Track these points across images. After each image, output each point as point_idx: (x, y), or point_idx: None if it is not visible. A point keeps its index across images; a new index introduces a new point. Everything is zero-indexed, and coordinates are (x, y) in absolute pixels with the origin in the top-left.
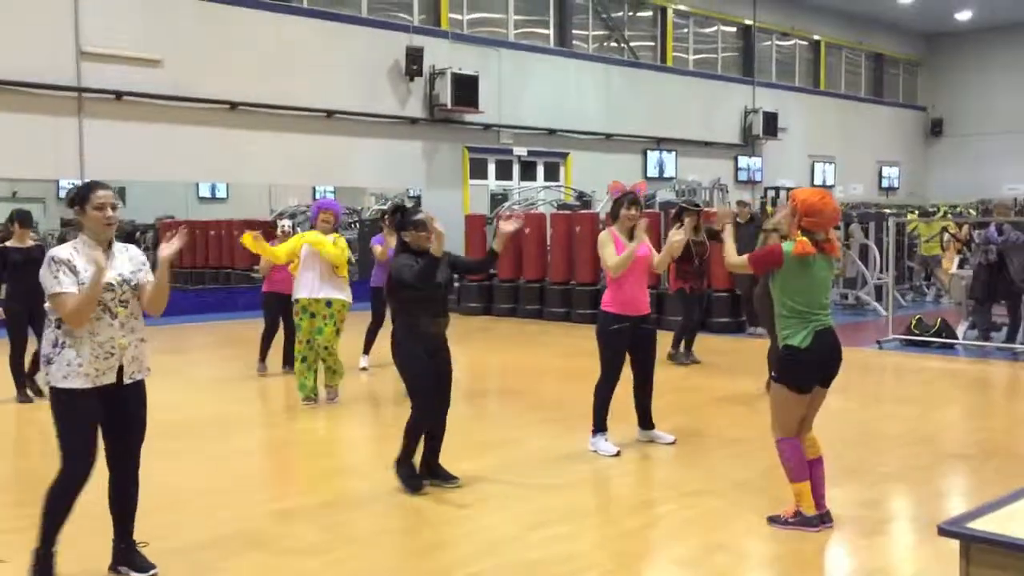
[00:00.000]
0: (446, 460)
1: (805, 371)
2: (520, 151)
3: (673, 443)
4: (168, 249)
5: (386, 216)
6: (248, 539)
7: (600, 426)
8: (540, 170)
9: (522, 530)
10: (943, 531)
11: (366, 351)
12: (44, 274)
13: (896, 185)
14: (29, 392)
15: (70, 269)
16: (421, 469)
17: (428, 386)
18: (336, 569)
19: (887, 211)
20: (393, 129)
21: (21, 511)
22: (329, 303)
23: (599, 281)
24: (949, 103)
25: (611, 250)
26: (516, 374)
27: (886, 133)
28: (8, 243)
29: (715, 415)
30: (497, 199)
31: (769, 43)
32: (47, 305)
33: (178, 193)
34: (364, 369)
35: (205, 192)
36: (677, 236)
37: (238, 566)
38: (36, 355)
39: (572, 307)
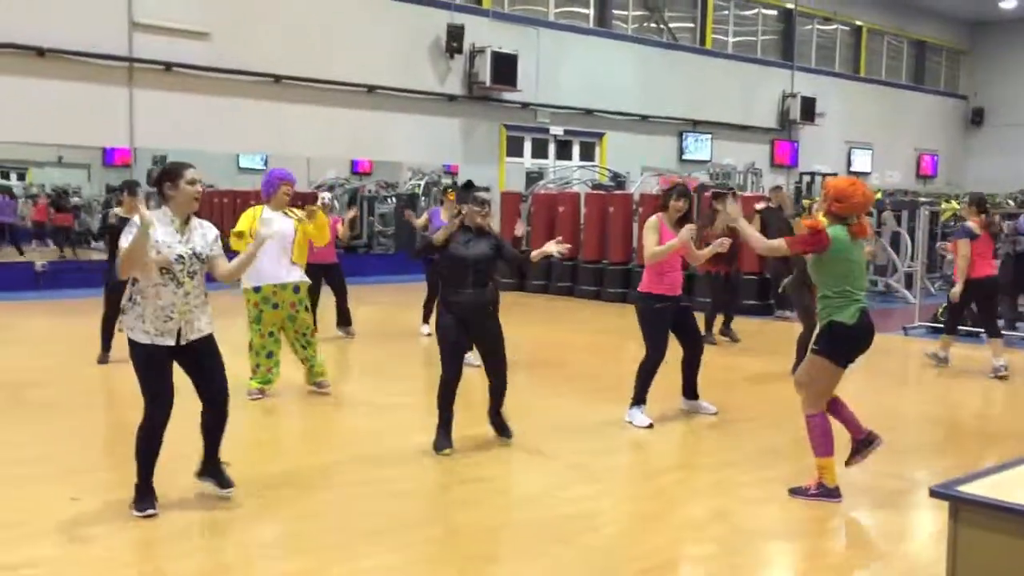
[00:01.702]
0: (481, 426)
1: (850, 345)
2: (556, 130)
3: (715, 414)
4: (260, 237)
5: (448, 190)
6: (292, 482)
7: (639, 399)
8: (576, 149)
9: (550, 489)
10: (934, 493)
11: (425, 320)
12: (125, 230)
13: (934, 174)
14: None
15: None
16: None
17: (448, 350)
18: (367, 522)
19: (921, 199)
20: (432, 105)
21: (109, 459)
22: (296, 288)
23: (631, 261)
24: (991, 92)
25: (654, 239)
26: (548, 347)
27: (926, 121)
28: (117, 210)
29: (743, 392)
30: (532, 177)
31: (810, 27)
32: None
33: (219, 163)
34: (429, 335)
35: (245, 163)
36: (688, 231)
37: (289, 498)
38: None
39: (603, 286)
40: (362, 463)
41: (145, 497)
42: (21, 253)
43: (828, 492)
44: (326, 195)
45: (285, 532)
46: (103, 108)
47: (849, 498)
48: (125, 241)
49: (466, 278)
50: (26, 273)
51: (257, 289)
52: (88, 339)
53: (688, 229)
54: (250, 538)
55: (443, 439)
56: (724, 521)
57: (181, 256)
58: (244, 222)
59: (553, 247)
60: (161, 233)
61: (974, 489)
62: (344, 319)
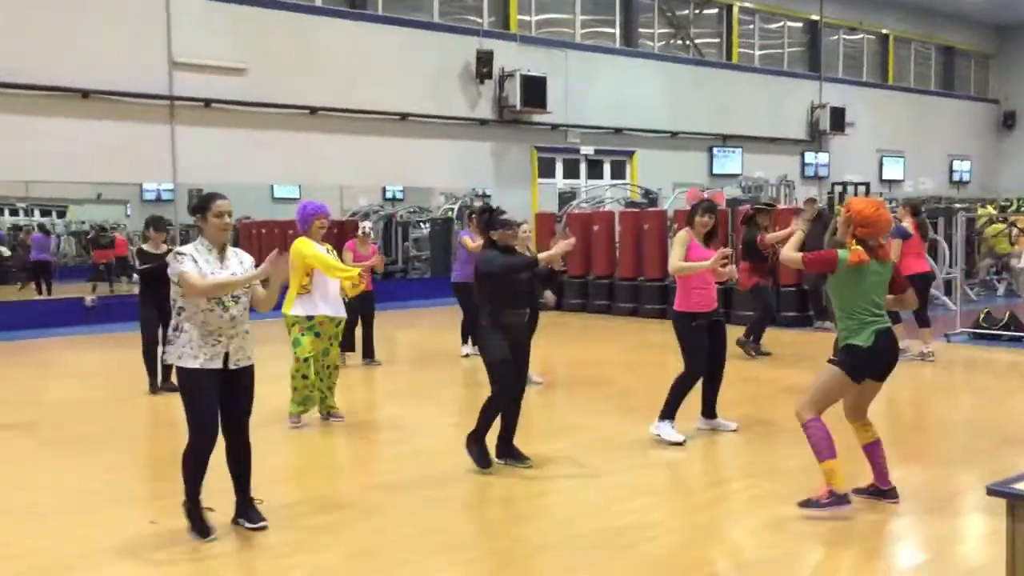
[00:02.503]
0: (522, 444)
1: (867, 366)
2: (587, 150)
3: (735, 431)
4: (264, 271)
5: (473, 216)
6: (351, 504)
7: (670, 414)
8: (607, 168)
9: (603, 503)
10: (992, 491)
11: (465, 341)
12: (171, 264)
13: (967, 179)
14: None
15: (192, 259)
16: (496, 450)
17: (508, 371)
18: (431, 539)
19: (956, 206)
20: (464, 130)
21: (164, 485)
22: (339, 323)
23: (667, 277)
24: (1022, 96)
25: (680, 253)
26: (586, 366)
27: (957, 127)
28: (144, 247)
29: (780, 404)
30: (565, 197)
31: (836, 38)
32: (172, 290)
33: (255, 194)
34: (466, 356)
35: (280, 193)
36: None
37: (351, 519)
38: None
39: (640, 302)
40: (418, 483)
41: (198, 522)
42: (43, 292)
43: (839, 499)
44: (366, 224)
45: (353, 551)
46: (146, 146)
47: (902, 503)
48: (187, 266)
49: (518, 296)
50: (76, 308)
51: (310, 318)
52: (140, 371)
53: (721, 254)
54: (319, 559)
55: (482, 454)
56: (780, 529)
57: None
58: (315, 251)
59: (561, 245)
60: (204, 264)
61: None
62: (369, 351)
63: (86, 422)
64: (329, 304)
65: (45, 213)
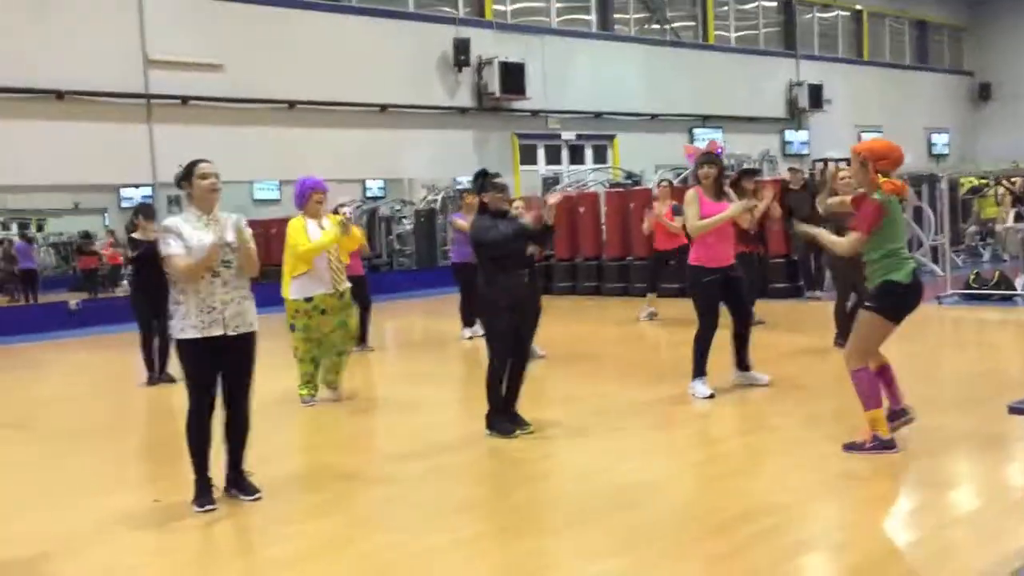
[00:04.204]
0: (527, 412)
1: (904, 302)
2: (568, 135)
3: (768, 384)
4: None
5: (465, 194)
6: (366, 473)
7: (698, 372)
8: (588, 153)
9: (614, 461)
10: (1013, 409)
11: (466, 324)
12: (160, 245)
13: (946, 152)
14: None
15: (177, 235)
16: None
17: (505, 335)
18: (441, 503)
19: (940, 174)
20: (444, 120)
21: (165, 468)
22: (341, 295)
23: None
24: (996, 67)
25: (694, 211)
26: (582, 342)
27: (933, 100)
28: (135, 235)
29: (785, 366)
30: (548, 183)
31: (811, 16)
32: (168, 264)
33: (235, 196)
34: (470, 339)
35: (260, 195)
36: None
37: (367, 485)
38: (165, 344)
39: (630, 282)
40: (429, 453)
41: (203, 493)
42: (30, 300)
43: (884, 444)
44: (347, 210)
45: (372, 514)
46: (123, 146)
47: (910, 447)
48: (173, 248)
49: (515, 259)
50: (59, 313)
51: (309, 299)
52: (130, 366)
53: (742, 205)
54: (339, 521)
55: (504, 422)
56: (792, 476)
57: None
58: (299, 236)
59: (554, 198)
60: (189, 231)
61: None
62: (362, 336)
63: (83, 416)
64: (326, 281)
65: (23, 226)
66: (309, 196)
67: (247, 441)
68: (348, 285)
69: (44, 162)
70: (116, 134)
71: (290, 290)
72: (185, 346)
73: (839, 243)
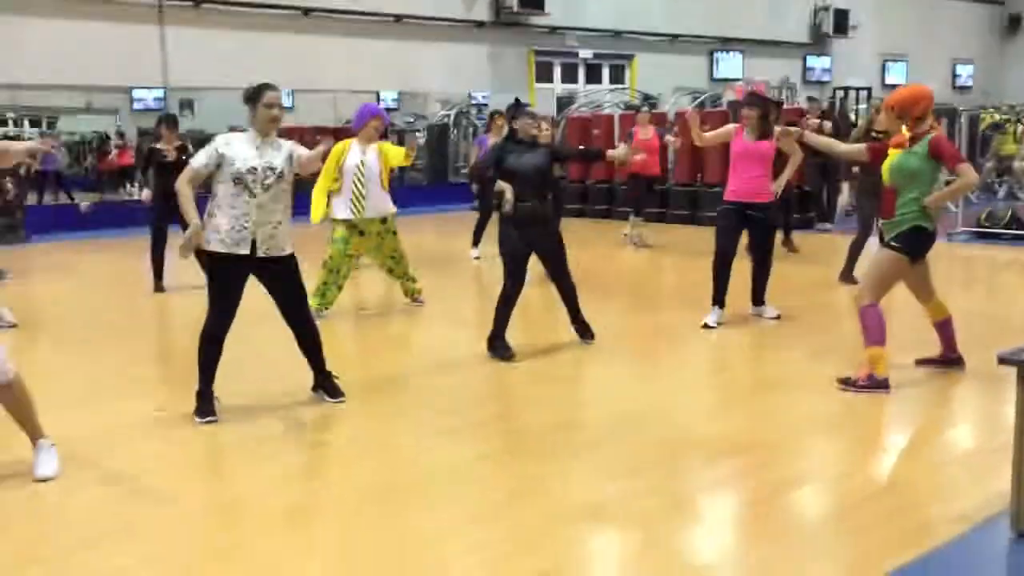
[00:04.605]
0: (532, 338)
1: (926, 247)
2: (585, 54)
3: (777, 318)
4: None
5: (494, 115)
6: (368, 388)
7: (713, 300)
8: (605, 73)
9: (618, 387)
10: (1002, 360)
11: (475, 244)
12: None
13: (970, 84)
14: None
15: (219, 153)
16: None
17: (512, 256)
18: (454, 418)
19: (961, 108)
20: (460, 33)
21: (176, 373)
22: (384, 220)
23: (667, 179)
24: None
25: (714, 133)
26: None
27: (960, 30)
28: (157, 145)
29: (794, 298)
30: (563, 102)
31: None
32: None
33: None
34: (478, 259)
35: None
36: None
37: (367, 403)
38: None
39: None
40: (430, 371)
41: (205, 404)
42: (72, 199)
43: (878, 383)
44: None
45: (366, 430)
46: (135, 48)
47: (907, 386)
48: (196, 161)
49: (523, 190)
50: (70, 214)
51: (347, 220)
52: (142, 272)
53: (784, 131)
54: (331, 439)
55: (503, 346)
56: (789, 410)
57: (254, 168)
58: (330, 161)
59: (624, 154)
60: (239, 149)
61: None
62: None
63: (93, 321)
64: (358, 205)
65: (34, 123)
66: (368, 121)
67: (321, 348)
68: (388, 210)
69: (56, 61)
70: (128, 35)
71: (333, 208)
72: (211, 258)
73: (972, 177)
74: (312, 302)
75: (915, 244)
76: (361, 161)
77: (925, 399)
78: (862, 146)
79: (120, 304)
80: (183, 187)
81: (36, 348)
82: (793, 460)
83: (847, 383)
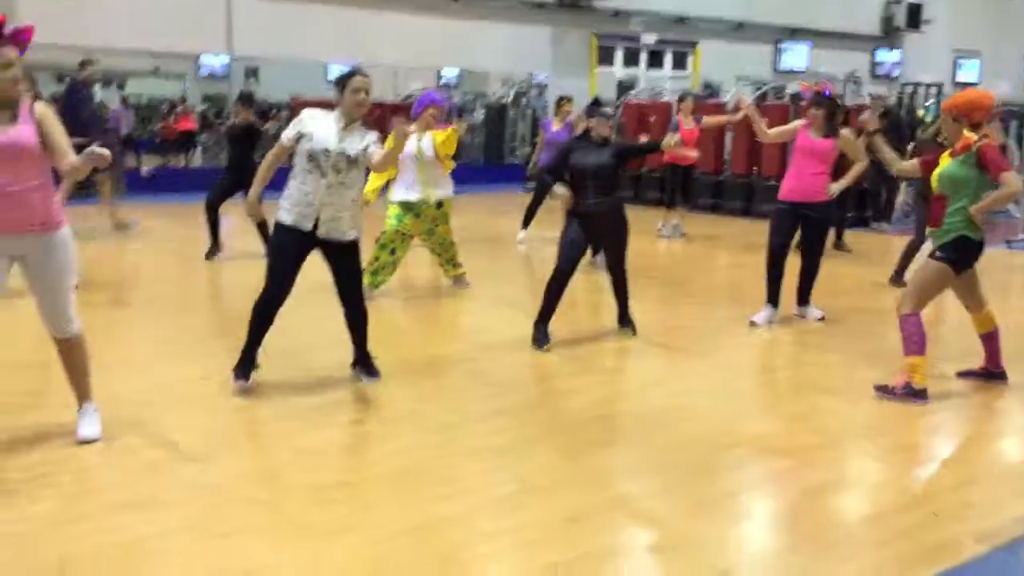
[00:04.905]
0: (583, 320)
1: (972, 258)
2: (648, 39)
3: (822, 319)
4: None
5: (561, 100)
6: (407, 369)
7: (767, 298)
8: (668, 59)
9: (651, 383)
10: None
11: (524, 226)
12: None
13: None
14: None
15: (301, 129)
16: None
17: (571, 243)
18: (487, 403)
19: None
20: (521, 13)
21: (224, 343)
22: (440, 204)
23: (723, 171)
24: None
25: (779, 130)
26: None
27: None
28: (236, 121)
29: (842, 300)
30: (624, 87)
31: None
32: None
33: (308, 75)
34: (521, 243)
35: (334, 75)
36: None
37: (406, 384)
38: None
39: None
40: (471, 355)
41: (243, 366)
42: (139, 163)
43: (915, 393)
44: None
45: (406, 411)
46: (201, 14)
47: (956, 398)
48: (283, 137)
49: (588, 188)
50: (133, 179)
51: (404, 202)
52: (202, 240)
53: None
54: (366, 418)
55: (543, 335)
56: (822, 416)
57: (327, 150)
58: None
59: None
60: (320, 127)
61: None
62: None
63: (153, 284)
64: (416, 189)
65: (105, 85)
66: (426, 108)
67: (366, 327)
68: (445, 195)
69: (127, 25)
70: (196, 2)
71: (392, 191)
72: (277, 227)
73: (1016, 187)
74: (373, 282)
75: (960, 254)
76: (419, 148)
77: (963, 412)
78: (915, 163)
79: (180, 270)
80: (268, 157)
81: (95, 309)
82: (824, 466)
83: (884, 390)
